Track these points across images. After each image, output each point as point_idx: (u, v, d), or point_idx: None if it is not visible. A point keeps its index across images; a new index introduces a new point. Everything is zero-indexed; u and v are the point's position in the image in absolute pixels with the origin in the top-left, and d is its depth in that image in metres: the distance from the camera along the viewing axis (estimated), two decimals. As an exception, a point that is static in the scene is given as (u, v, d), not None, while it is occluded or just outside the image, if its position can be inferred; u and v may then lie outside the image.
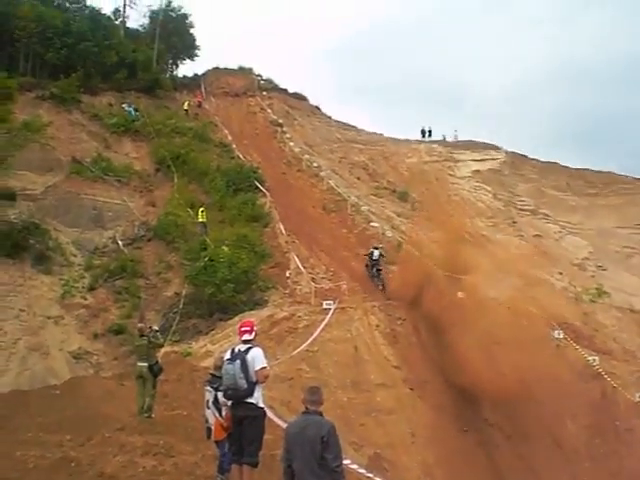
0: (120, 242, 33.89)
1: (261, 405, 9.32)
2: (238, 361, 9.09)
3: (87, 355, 26.31)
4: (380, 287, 30.39)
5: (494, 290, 28.26)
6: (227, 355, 9.39)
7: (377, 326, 25.81)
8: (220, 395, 9.75)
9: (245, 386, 9.05)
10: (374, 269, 30.72)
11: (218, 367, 10.22)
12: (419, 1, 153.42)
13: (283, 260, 32.64)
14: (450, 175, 49.97)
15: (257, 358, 9.19)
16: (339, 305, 26.68)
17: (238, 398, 9.13)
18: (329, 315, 25.57)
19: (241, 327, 9.53)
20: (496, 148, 55.08)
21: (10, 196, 33.73)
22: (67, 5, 57.48)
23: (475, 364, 23.45)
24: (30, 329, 26.36)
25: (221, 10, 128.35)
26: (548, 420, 26.19)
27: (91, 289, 30.28)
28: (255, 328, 9.62)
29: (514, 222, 45.52)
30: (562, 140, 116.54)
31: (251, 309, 27.81)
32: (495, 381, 23.00)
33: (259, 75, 63.08)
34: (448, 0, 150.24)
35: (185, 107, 51.97)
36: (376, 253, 30.89)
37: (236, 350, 9.26)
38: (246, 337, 9.37)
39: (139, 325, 16.81)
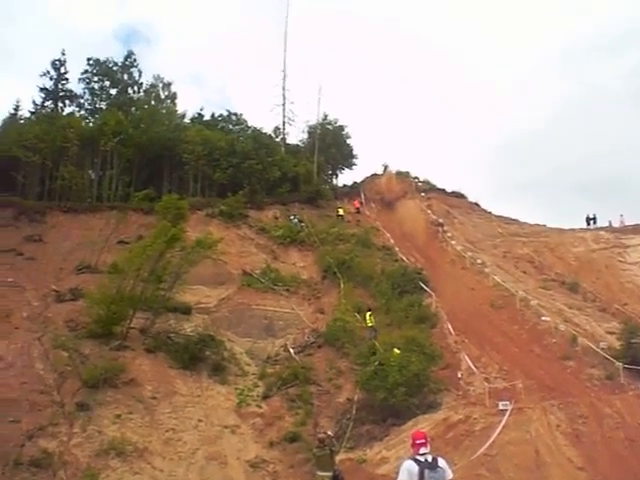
0: (291, 350, 34.57)
1: None
2: (440, 470, 8.95)
3: (264, 464, 26.38)
4: None
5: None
6: (412, 466, 9.08)
7: (558, 426, 24.54)
8: None
9: None
10: None
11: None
12: (565, 93, 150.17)
13: (454, 360, 32.06)
14: (620, 262, 47.69)
15: (447, 468, 9.04)
16: (515, 405, 25.69)
17: None
18: (506, 416, 24.70)
19: (415, 440, 9.30)
20: (667, 229, 52.32)
21: (186, 310, 35.56)
22: (231, 127, 61.50)
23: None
24: (208, 439, 26.83)
25: (373, 117, 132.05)
26: None
27: (265, 397, 30.73)
28: (428, 438, 9.44)
29: (695, 306, 42.57)
30: None
31: (424, 413, 27.21)
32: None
33: (416, 177, 64.22)
34: (594, 88, 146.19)
35: (340, 213, 53.53)
36: None
37: (422, 460, 9.05)
38: (423, 450, 9.15)
39: (320, 435, 16.95)
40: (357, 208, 56.73)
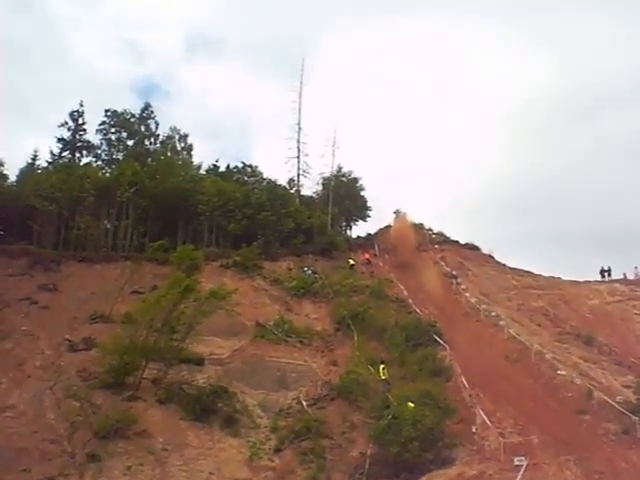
0: (304, 402, 34.22)
1: None
2: None
3: (276, 519, 26.27)
4: None
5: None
6: None
7: (574, 482, 24.28)
8: None
9: None
10: None
11: None
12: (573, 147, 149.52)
13: (468, 415, 31.66)
14: (636, 314, 47.30)
15: None
16: (531, 460, 25.35)
17: None
18: (521, 472, 24.38)
19: None
20: (682, 282, 52.07)
21: (199, 361, 35.55)
22: (246, 179, 62.12)
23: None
24: (219, 492, 26.74)
25: (389, 167, 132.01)
26: None
27: (277, 451, 30.36)
28: None
29: None
30: None
31: (439, 468, 26.83)
32: None
33: (430, 229, 64.24)
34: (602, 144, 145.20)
35: (351, 262, 53.87)
36: None
37: None
38: None
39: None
40: (367, 259, 56.80)
